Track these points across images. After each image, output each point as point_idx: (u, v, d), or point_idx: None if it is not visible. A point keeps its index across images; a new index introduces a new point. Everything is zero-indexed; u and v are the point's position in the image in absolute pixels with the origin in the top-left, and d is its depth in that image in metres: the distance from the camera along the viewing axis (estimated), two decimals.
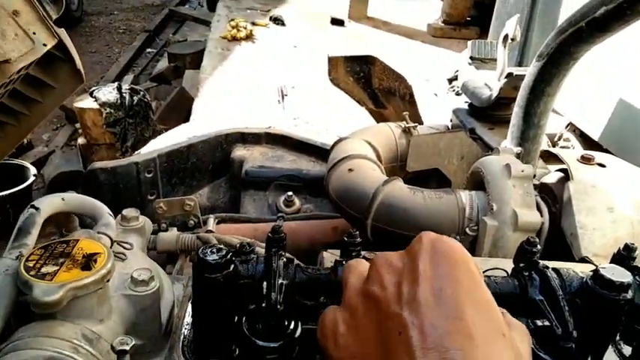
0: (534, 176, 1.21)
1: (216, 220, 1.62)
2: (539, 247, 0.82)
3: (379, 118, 2.67)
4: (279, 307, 0.75)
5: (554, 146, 2.49)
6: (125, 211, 0.98)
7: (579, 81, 2.24)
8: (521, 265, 0.82)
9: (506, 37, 1.69)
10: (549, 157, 2.50)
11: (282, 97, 5.69)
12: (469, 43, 2.05)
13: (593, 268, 1.11)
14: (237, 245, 0.94)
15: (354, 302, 0.59)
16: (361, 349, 0.56)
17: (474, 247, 1.21)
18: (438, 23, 6.39)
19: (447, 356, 0.48)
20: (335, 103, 4.22)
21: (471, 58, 1.99)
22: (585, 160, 1.23)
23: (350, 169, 1.36)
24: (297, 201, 1.77)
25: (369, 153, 1.48)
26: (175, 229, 1.42)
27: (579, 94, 2.26)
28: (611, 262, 0.87)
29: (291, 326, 0.79)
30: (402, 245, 1.35)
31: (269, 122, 4.53)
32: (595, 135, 2.18)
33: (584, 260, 1.09)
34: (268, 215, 1.76)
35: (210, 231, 1.55)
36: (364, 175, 1.35)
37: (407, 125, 1.59)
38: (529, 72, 1.44)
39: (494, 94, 1.67)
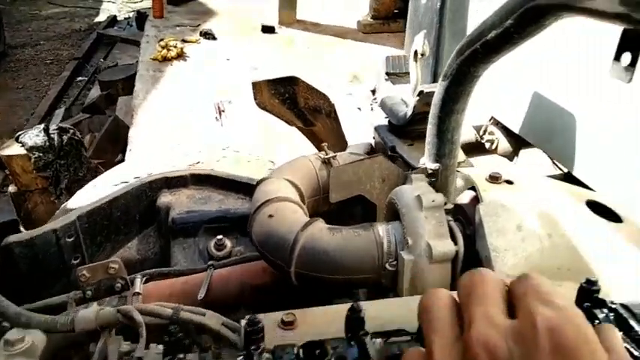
0: (446, 204, 1.22)
1: (144, 279, 1.57)
2: None
3: (310, 135, 2.67)
4: None
5: (480, 139, 2.55)
6: (8, 335, 0.94)
7: (497, 76, 2.28)
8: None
9: (416, 52, 1.70)
10: (473, 150, 2.56)
11: (220, 114, 5.61)
12: (384, 58, 2.07)
13: None
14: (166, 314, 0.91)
15: None
16: None
17: (395, 282, 1.21)
18: (367, 19, 6.44)
19: None
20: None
21: (387, 73, 2.00)
22: (493, 179, 1.25)
23: (270, 215, 1.34)
24: (228, 243, 1.74)
25: (290, 192, 1.46)
26: (95, 303, 1.36)
27: (498, 88, 2.31)
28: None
29: None
30: (329, 290, 1.32)
31: (208, 142, 4.44)
32: (515, 128, 2.23)
33: None
34: (201, 263, 1.72)
35: (138, 293, 1.50)
36: (284, 220, 1.33)
37: (326, 156, 1.59)
38: (437, 91, 1.45)
39: (409, 111, 1.68)
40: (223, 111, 5.49)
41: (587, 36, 1.66)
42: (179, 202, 1.84)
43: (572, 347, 0.43)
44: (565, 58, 1.90)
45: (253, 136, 4.84)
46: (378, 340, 0.76)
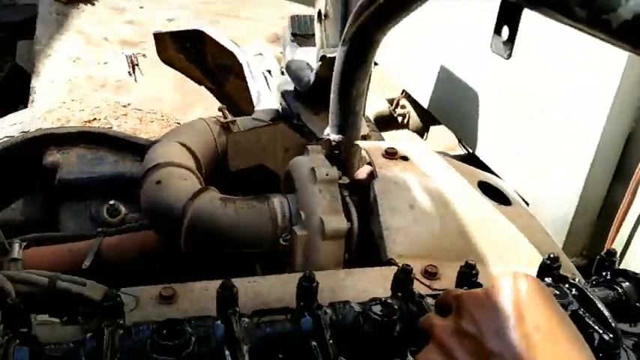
0: (340, 177, 1.20)
1: (24, 245, 1.45)
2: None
3: (221, 96, 2.56)
4: None
5: (393, 112, 2.56)
6: None
7: (410, 47, 2.28)
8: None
9: (319, 13, 1.63)
10: (385, 124, 2.56)
11: (133, 68, 5.29)
12: (289, 18, 1.98)
13: (398, 269, 1.13)
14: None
15: (448, 341, 0.64)
16: None
17: (289, 257, 1.18)
18: None
19: None
20: None
21: (293, 34, 1.92)
22: (389, 155, 1.23)
23: (158, 182, 1.27)
24: (122, 209, 1.64)
25: (182, 158, 1.38)
26: None
27: (410, 60, 2.31)
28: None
29: None
30: (223, 263, 1.26)
31: (120, 99, 4.18)
32: (424, 102, 2.25)
33: (390, 263, 1.10)
34: (92, 229, 1.60)
35: (16, 259, 1.39)
36: (173, 188, 1.26)
37: (225, 120, 1.51)
38: (337, 57, 1.40)
39: (312, 78, 1.63)
40: (137, 65, 5.17)
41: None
42: (68, 162, 1.70)
43: (534, 289, 0.64)
44: (473, 33, 1.92)
45: (168, 95, 4.62)
46: (247, 320, 0.73)
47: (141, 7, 6.26)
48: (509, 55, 0.92)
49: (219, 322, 0.75)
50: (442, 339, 0.65)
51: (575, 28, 0.73)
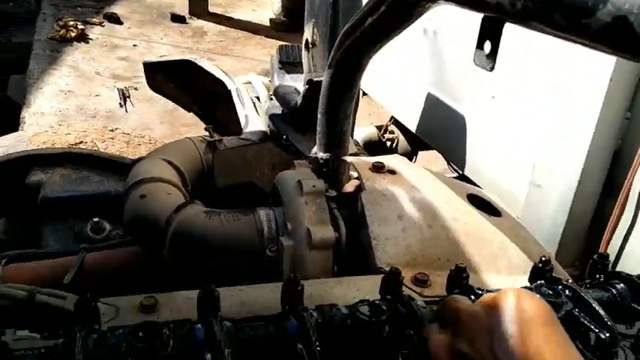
0: (327, 190, 1.18)
1: (4, 261, 1.41)
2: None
3: (210, 123, 2.56)
4: None
5: (382, 138, 2.57)
6: None
7: (397, 76, 2.31)
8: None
9: (307, 42, 1.66)
10: (374, 148, 2.57)
11: (124, 100, 5.33)
12: (277, 47, 2.02)
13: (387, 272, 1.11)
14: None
15: (442, 358, 0.62)
16: None
17: (276, 269, 1.15)
18: (280, 17, 6.40)
19: None
20: None
21: (281, 62, 1.96)
22: (376, 168, 1.23)
23: (142, 196, 1.25)
24: (107, 226, 1.61)
25: (167, 174, 1.37)
26: None
27: (397, 88, 2.33)
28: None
29: None
30: (203, 273, 1.23)
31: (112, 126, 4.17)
32: (413, 127, 2.26)
33: (379, 271, 1.08)
34: (76, 247, 1.57)
35: None
36: (158, 201, 1.24)
37: (211, 139, 1.51)
38: (324, 80, 1.42)
39: (299, 101, 1.65)
40: (128, 97, 5.22)
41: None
42: (52, 182, 1.68)
43: (536, 311, 0.61)
44: (459, 60, 1.95)
45: (157, 126, 4.64)
46: (228, 323, 0.70)
47: (134, 46, 6.35)
48: (492, 68, 0.94)
49: (199, 325, 0.72)
50: (437, 354, 0.63)
51: (557, 36, 0.73)
